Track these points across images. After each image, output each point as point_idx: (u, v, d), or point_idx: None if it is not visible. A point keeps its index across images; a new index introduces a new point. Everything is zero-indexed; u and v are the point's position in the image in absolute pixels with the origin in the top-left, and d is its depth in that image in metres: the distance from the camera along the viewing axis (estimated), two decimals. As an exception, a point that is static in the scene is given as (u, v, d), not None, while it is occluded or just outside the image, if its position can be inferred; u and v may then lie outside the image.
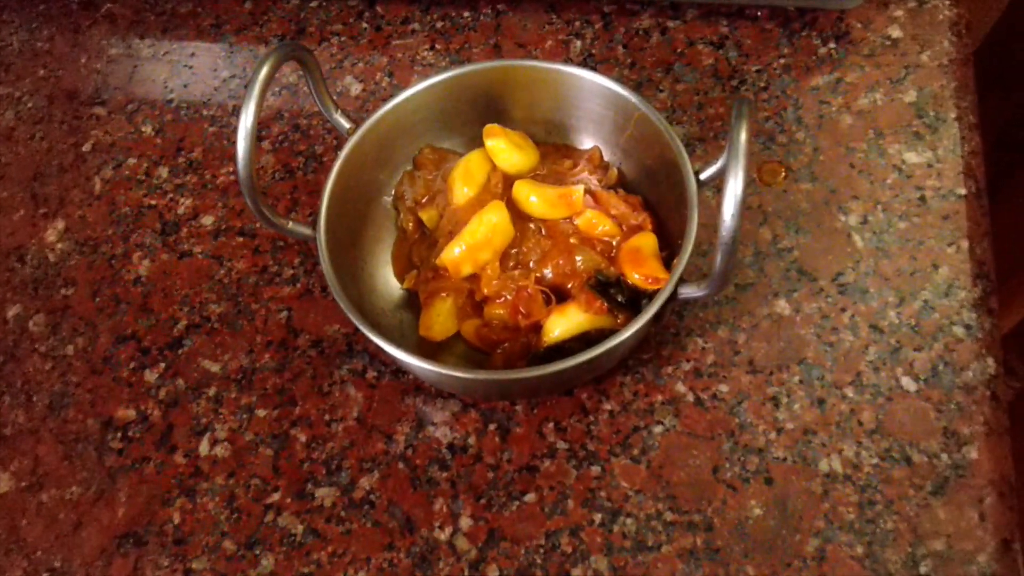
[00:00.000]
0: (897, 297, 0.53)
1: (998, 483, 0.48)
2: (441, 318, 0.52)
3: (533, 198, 0.52)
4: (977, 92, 0.59)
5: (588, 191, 0.53)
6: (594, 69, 0.61)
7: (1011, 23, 0.85)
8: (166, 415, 0.55)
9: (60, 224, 0.63)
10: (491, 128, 0.55)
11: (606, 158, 0.57)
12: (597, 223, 0.52)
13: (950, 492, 0.48)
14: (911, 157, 0.58)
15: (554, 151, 0.57)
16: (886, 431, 0.50)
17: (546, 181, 0.54)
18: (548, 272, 0.51)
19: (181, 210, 0.62)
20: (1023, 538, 0.48)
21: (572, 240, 0.51)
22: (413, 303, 0.55)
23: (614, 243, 0.52)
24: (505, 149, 0.54)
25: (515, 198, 0.52)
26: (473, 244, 0.51)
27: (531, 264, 0.52)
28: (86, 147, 0.66)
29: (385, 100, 0.55)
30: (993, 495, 0.48)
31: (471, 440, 0.52)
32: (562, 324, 0.50)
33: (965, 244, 0.54)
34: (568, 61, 0.64)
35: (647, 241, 0.51)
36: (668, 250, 0.52)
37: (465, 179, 0.54)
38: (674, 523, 0.49)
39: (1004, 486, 0.48)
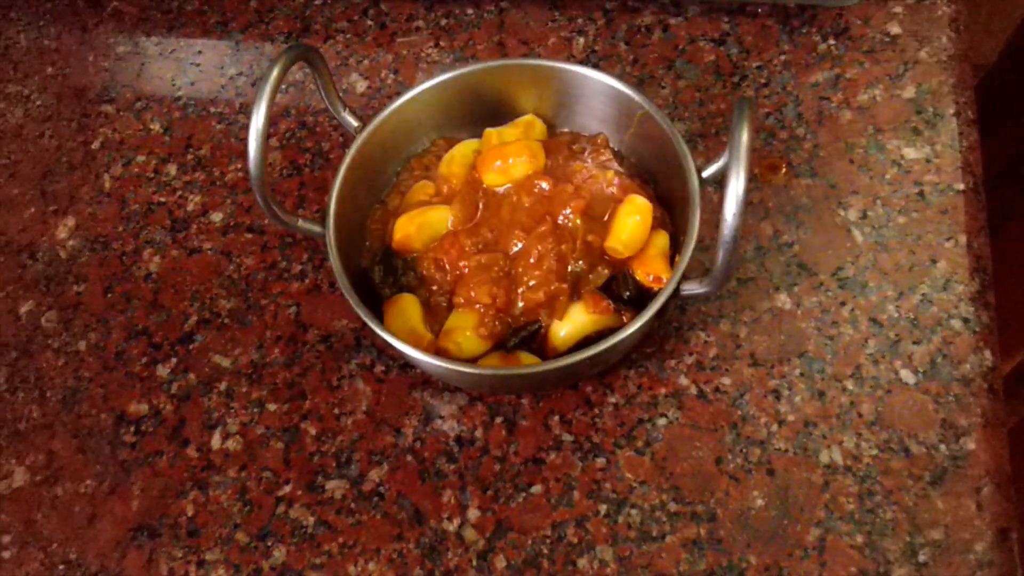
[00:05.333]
0: (896, 291, 0.54)
1: (995, 474, 0.49)
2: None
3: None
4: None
5: (618, 174, 0.54)
6: (597, 66, 0.62)
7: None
8: (178, 409, 0.56)
9: (71, 221, 0.64)
10: (484, 159, 0.55)
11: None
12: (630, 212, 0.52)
13: (948, 483, 0.49)
14: (910, 152, 0.58)
15: (558, 138, 0.58)
16: (885, 423, 0.51)
17: (561, 171, 0.54)
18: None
19: (190, 207, 0.63)
20: (1020, 528, 0.49)
21: (590, 238, 0.52)
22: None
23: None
24: (500, 171, 0.54)
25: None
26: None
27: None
28: (95, 145, 0.67)
29: (391, 97, 0.56)
30: (990, 485, 0.49)
31: (478, 433, 0.53)
32: (567, 326, 0.50)
33: (963, 238, 0.55)
34: (571, 58, 0.65)
35: (658, 239, 0.52)
36: (672, 248, 0.53)
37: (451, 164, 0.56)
38: (678, 513, 0.50)
39: (1001, 477, 0.49)
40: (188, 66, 0.69)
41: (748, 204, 0.58)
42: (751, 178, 0.57)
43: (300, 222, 0.52)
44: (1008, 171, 0.82)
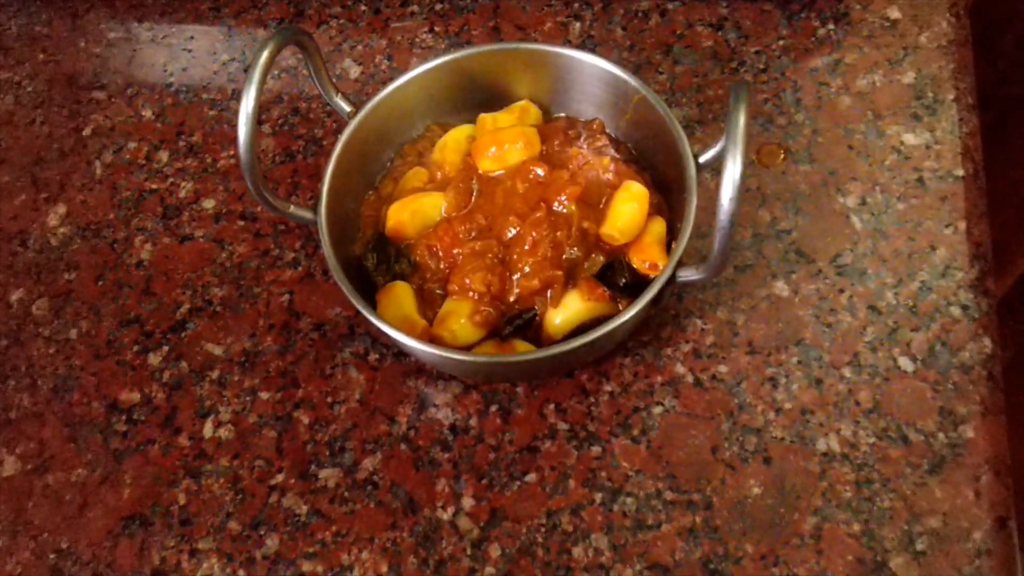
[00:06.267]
0: (895, 278, 0.54)
1: (994, 462, 0.49)
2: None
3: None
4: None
5: (614, 160, 0.53)
6: (593, 51, 0.61)
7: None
8: (170, 398, 0.56)
9: (62, 208, 0.63)
10: (478, 145, 0.54)
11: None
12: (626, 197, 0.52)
13: (946, 471, 0.49)
14: (909, 138, 0.58)
15: (554, 123, 0.57)
16: (883, 411, 0.51)
17: (557, 157, 0.54)
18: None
19: (182, 194, 0.62)
20: (1019, 516, 0.48)
21: (586, 225, 0.51)
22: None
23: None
24: (495, 158, 0.53)
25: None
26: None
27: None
28: (86, 131, 0.66)
29: (384, 83, 0.56)
30: (989, 474, 0.48)
31: (472, 421, 0.53)
32: (562, 313, 0.50)
33: (963, 225, 0.55)
34: (567, 43, 0.64)
35: (655, 226, 0.51)
36: (669, 234, 0.52)
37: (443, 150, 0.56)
38: (674, 502, 0.50)
39: (1000, 465, 0.49)
40: (180, 52, 0.69)
41: (746, 190, 0.57)
42: (748, 163, 0.57)
43: (292, 209, 0.52)
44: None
